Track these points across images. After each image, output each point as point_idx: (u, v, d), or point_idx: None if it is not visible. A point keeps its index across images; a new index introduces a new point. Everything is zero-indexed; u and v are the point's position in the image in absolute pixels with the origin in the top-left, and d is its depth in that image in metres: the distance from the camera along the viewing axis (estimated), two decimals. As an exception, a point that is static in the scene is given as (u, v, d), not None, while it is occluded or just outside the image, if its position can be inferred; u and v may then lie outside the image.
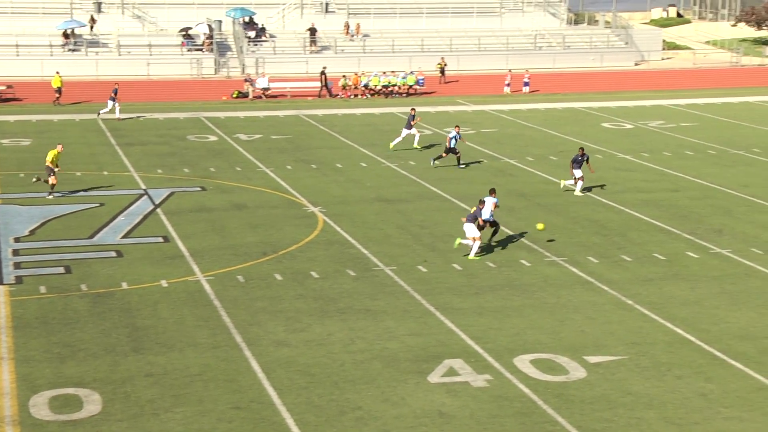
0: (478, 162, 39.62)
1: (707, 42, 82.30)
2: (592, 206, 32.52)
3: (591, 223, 30.44)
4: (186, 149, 41.78)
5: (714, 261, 26.68)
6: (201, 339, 21.08)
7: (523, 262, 26.60)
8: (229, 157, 40.30)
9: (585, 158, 34.21)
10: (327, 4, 72.88)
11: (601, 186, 35.11)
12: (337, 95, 57.98)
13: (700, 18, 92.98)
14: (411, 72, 60.31)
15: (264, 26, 68.80)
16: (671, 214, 31.44)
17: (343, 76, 58.86)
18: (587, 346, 20.88)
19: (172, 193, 33.70)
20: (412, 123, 41.36)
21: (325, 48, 68.45)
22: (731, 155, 40.65)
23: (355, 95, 58.09)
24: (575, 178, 34.17)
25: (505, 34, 72.09)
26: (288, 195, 33.84)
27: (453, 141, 37.93)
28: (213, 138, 44.52)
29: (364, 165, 38.99)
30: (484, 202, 27.69)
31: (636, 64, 72.47)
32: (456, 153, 38.22)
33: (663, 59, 74.65)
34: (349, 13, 72.37)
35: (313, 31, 68.14)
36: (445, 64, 64.31)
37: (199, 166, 38.28)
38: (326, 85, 57.86)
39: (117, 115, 48.53)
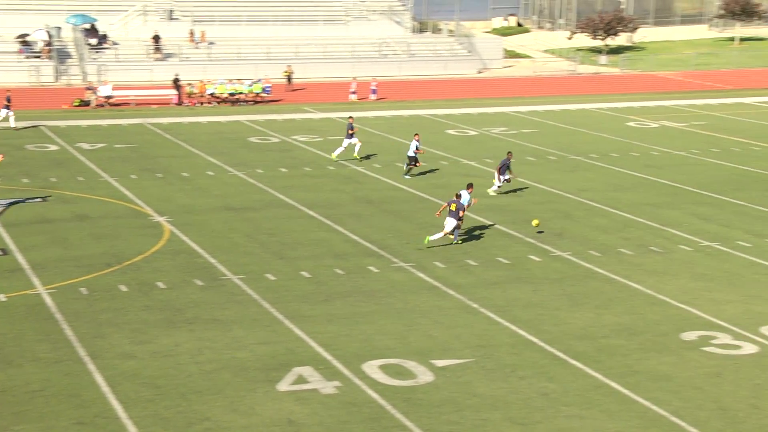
0: (326, 169, 39.73)
1: (546, 51, 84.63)
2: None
3: (437, 228, 30.89)
4: (25, 159, 40.54)
5: (555, 264, 27.43)
6: (42, 354, 20.47)
7: (371, 268, 26.80)
8: (71, 166, 39.30)
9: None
10: (171, 11, 71.90)
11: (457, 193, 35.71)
12: (183, 103, 57.26)
13: (539, 27, 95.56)
14: (258, 80, 60.04)
15: (106, 33, 67.36)
16: (514, 218, 32.19)
17: (189, 84, 58.15)
18: (434, 350, 21.17)
19: (11, 204, 32.65)
20: (350, 132, 40.89)
21: (169, 55, 67.48)
22: (570, 161, 41.89)
23: (201, 103, 57.47)
24: (502, 181, 34.81)
25: (351, 41, 72.55)
26: (133, 205, 33.21)
27: (413, 150, 37.81)
28: (53, 147, 43.33)
29: (210, 174, 38.60)
30: (460, 195, 29.05)
31: (479, 72, 73.94)
32: (416, 163, 38.04)
33: (504, 67, 76.38)
34: (194, 21, 71.58)
35: (156, 38, 67.09)
36: (292, 72, 64.27)
37: (39, 176, 37.20)
38: (179, 93, 57.12)
39: (11, 124, 47.13)
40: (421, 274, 26.29)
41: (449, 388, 19.32)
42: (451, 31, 78.87)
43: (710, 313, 23.48)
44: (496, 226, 31.25)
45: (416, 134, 38.91)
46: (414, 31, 78.76)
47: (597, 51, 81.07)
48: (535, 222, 30.45)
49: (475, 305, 23.97)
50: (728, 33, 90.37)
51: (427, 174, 39.07)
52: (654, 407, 18.55)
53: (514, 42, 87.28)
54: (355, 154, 41.31)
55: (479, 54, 75.34)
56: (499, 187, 35.35)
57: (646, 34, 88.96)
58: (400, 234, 30.13)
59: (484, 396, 18.99)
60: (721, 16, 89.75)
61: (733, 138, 46.57)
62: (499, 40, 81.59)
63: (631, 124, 51.36)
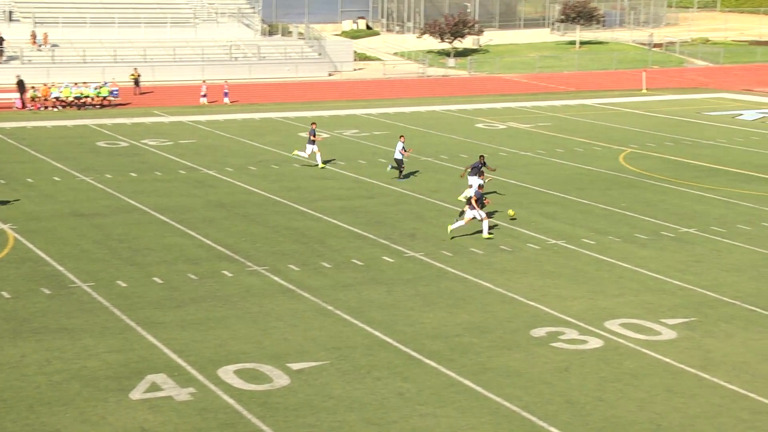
0: (177, 173, 39.15)
1: (396, 53, 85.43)
2: (291, 215, 32.92)
3: (290, 231, 30.79)
4: None
5: (408, 264, 27.69)
6: None
7: (225, 272, 26.52)
8: None
9: (483, 165, 33.87)
10: (11, 12, 69.62)
11: (309, 195, 35.63)
12: (26, 107, 55.53)
13: (388, 30, 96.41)
14: (104, 83, 58.70)
15: (-57, 34, 64.86)
16: (367, 220, 32.36)
17: (32, 88, 56.43)
18: (290, 353, 21.09)
19: None
20: (313, 138, 40.07)
21: (12, 58, 65.33)
22: (421, 162, 42.37)
23: (46, 107, 55.84)
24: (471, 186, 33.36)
25: (200, 44, 71.69)
26: (-26, 212, 32.02)
27: (398, 152, 37.71)
28: None
29: (57, 179, 37.54)
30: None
31: (330, 75, 74.10)
32: (401, 164, 38.11)
33: (355, 70, 76.77)
34: (36, 22, 69.50)
35: (-3, 40, 64.92)
36: (139, 75, 63.09)
37: None
38: (22, 97, 55.33)
39: None
40: (275, 278, 26.16)
41: (305, 390, 19.27)
42: (301, 33, 78.80)
43: (558, 309, 24.10)
44: (349, 227, 31.36)
45: (401, 136, 38.94)
46: (264, 33, 78.38)
47: (445, 54, 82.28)
48: (510, 212, 31.98)
49: (330, 307, 23.99)
50: (569, 37, 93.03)
51: (281, 177, 38.94)
52: (506, 403, 18.91)
53: (364, 45, 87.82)
54: (319, 164, 40.54)
55: (330, 57, 75.52)
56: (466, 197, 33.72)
57: (491, 37, 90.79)
58: (254, 237, 29.93)
59: (341, 398, 19.02)
60: (561, 21, 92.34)
61: (576, 138, 47.94)
62: (349, 42, 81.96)
63: (480, 125, 52.32)
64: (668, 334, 22.42)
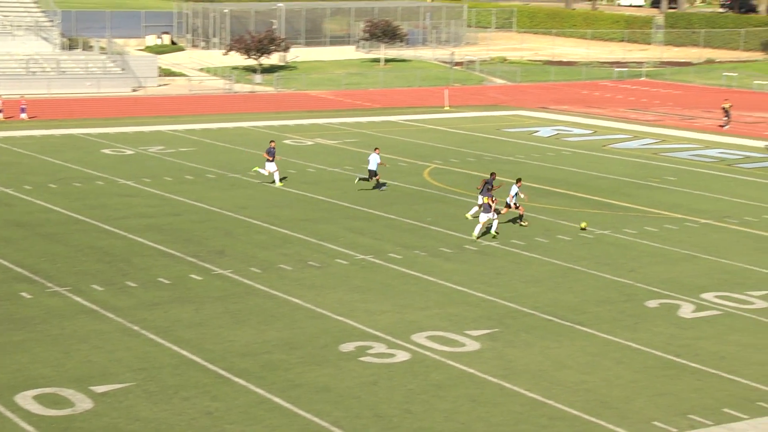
0: (-29, 192, 37.46)
1: (201, 69, 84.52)
2: (95, 233, 32.00)
3: (94, 250, 29.92)
4: None
5: (217, 282, 27.36)
6: None
7: (23, 294, 25.50)
8: None
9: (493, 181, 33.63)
10: None
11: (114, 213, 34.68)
12: None
13: (194, 46, 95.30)
14: None
15: None
16: (174, 237, 31.81)
17: None
18: (94, 375, 20.45)
19: None
20: (270, 158, 39.54)
21: None
22: (229, 179, 42.00)
23: None
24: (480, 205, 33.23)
25: (-4, 58, 68.92)
26: None
27: (374, 163, 38.73)
28: None
29: None
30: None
31: (134, 90, 72.57)
32: (375, 176, 39.07)
33: (160, 85, 75.47)
34: None
35: None
36: (-69, 89, 60.06)
37: None
38: None
39: None
40: (78, 298, 25.35)
41: (110, 414, 18.72)
42: (102, 48, 76.87)
43: (366, 323, 24.30)
44: (155, 245, 30.72)
45: (376, 148, 39.97)
46: (63, 47, 76.08)
47: (252, 70, 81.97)
48: (583, 224, 33.67)
49: (136, 327, 23.42)
50: (374, 54, 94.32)
51: (84, 195, 37.80)
52: (315, 419, 18.92)
53: (168, 60, 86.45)
54: (278, 183, 40.10)
55: (133, 72, 73.96)
56: (476, 213, 33.99)
57: (298, 54, 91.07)
58: (55, 257, 28.92)
59: (147, 420, 18.57)
60: (366, 39, 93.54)
61: (382, 155, 48.58)
62: (154, 58, 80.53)
63: (288, 141, 52.33)
64: (472, 345, 22.95)
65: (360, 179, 39.67)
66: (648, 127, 60.14)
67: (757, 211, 37.45)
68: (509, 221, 34.76)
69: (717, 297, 26.93)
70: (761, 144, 53.03)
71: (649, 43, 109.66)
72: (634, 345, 23.19)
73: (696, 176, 44.45)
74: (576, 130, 57.88)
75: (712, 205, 38.43)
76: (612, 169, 44.82)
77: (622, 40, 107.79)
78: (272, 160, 40.14)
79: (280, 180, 40.69)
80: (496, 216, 32.78)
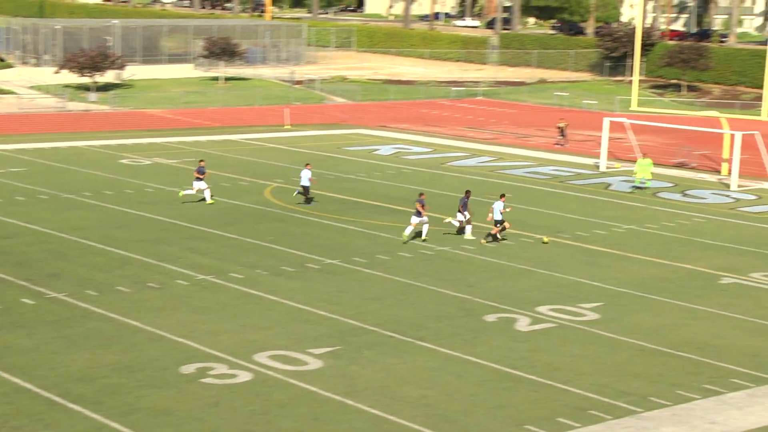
0: None
1: (32, 87, 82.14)
2: None
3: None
4: None
5: (50, 306, 26.61)
6: None
7: None
8: None
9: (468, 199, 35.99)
10: None
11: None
12: None
13: (24, 63, 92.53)
14: None
15: None
16: (4, 261, 30.78)
17: None
18: None
19: None
20: (201, 176, 39.83)
21: None
22: (63, 199, 40.93)
23: None
24: (461, 221, 35.82)
25: None
26: None
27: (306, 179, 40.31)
28: None
29: None
30: (493, 208, 35.09)
31: (-39, 109, 69.92)
32: (307, 192, 40.67)
33: (-11, 104, 72.95)
34: None
35: None
36: None
37: None
38: None
39: None
40: None
41: (-62, 446, 17.97)
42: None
43: (207, 344, 24.06)
44: (-15, 270, 29.67)
45: (308, 164, 41.56)
46: None
47: (86, 88, 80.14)
48: (545, 239, 35.35)
49: (-36, 355, 22.54)
50: (213, 72, 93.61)
51: None
52: (156, 443, 18.59)
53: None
54: (209, 200, 40.15)
55: (-40, 89, 71.31)
56: (460, 222, 36.06)
57: (134, 71, 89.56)
58: None
59: (-22, 451, 17.91)
60: (205, 56, 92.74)
61: (222, 173, 48.23)
62: (-18, 75, 77.82)
63: (125, 161, 51.37)
64: (315, 364, 23.01)
65: (298, 192, 41.27)
66: (485, 145, 61.59)
67: (588, 226, 38.82)
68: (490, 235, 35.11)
69: (551, 310, 27.77)
70: (591, 161, 54.98)
71: (485, 63, 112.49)
72: (473, 359, 23.68)
73: (531, 193, 45.76)
74: (415, 149, 58.78)
75: (546, 221, 39.61)
76: (451, 186, 45.70)
77: (459, 60, 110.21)
78: (202, 179, 40.43)
79: (211, 197, 40.83)
80: (427, 220, 35.10)
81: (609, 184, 48.30)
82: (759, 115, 55.72)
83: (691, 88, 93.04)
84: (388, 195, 44.00)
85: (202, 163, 41.44)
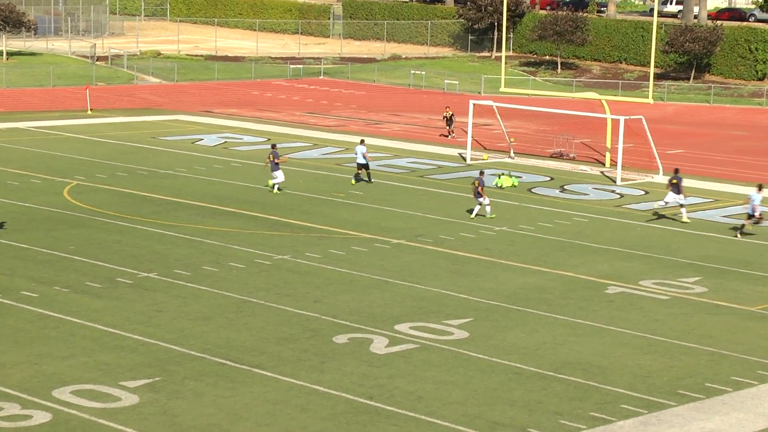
0: None
1: None
2: None
3: None
4: None
5: None
6: None
7: None
8: None
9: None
10: None
11: None
12: None
13: None
14: None
15: None
16: None
17: None
18: None
19: None
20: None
21: None
22: None
23: None
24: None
25: None
26: None
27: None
28: None
29: None
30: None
31: None
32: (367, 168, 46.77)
33: None
34: None
35: None
36: None
37: None
38: None
39: None
40: None
41: None
42: None
43: (-5, 379, 23.43)
44: None
45: (362, 140, 46.77)
46: None
47: None
48: (485, 156, 39.62)
49: None
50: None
51: None
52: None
53: None
54: None
55: None
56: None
57: None
58: None
59: None
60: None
61: (9, 170, 47.04)
62: None
63: None
64: (129, 399, 22.65)
65: (357, 178, 46.38)
66: (329, 133, 61.85)
67: (453, 228, 39.38)
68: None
69: (412, 328, 28.04)
70: (455, 152, 55.81)
71: (327, 36, 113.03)
72: (321, 388, 23.71)
73: (385, 190, 46.13)
74: (246, 138, 58.58)
75: (404, 223, 40.02)
76: (289, 182, 45.71)
77: (296, 32, 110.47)
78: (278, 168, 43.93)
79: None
80: (488, 202, 40.89)
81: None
82: (646, 97, 57.64)
83: (567, 66, 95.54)
84: (216, 194, 43.70)
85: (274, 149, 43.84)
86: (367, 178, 46.82)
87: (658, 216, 42.01)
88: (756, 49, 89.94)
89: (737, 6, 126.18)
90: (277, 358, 25.55)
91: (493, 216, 40.62)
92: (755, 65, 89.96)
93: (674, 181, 41.33)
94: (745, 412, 23.15)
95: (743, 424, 22.51)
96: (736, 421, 22.66)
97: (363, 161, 46.34)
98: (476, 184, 40.63)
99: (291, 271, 33.02)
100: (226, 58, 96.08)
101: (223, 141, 57.52)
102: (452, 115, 61.61)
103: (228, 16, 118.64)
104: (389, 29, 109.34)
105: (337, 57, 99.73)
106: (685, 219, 41.34)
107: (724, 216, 42.93)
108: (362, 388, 23.88)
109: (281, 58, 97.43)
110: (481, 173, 41.70)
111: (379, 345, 26.72)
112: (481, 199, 40.74)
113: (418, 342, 27.04)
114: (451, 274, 33.38)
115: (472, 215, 40.83)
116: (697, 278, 33.60)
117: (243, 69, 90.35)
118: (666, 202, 41.64)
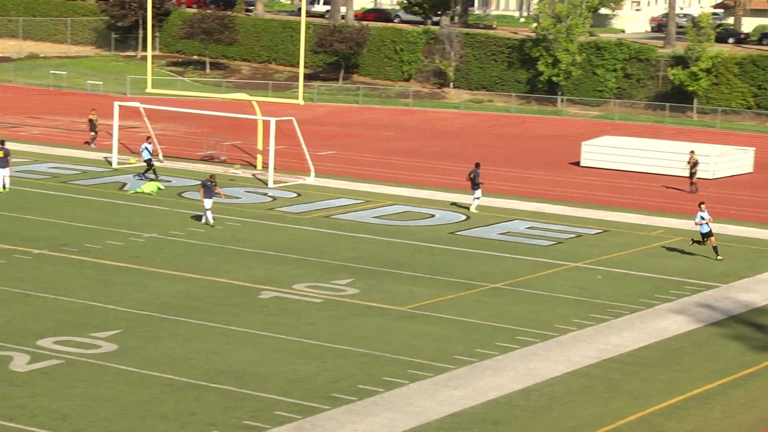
0: None
1: None
2: None
3: None
4: None
5: None
6: None
7: None
8: None
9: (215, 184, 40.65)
10: None
11: None
12: None
13: None
14: None
15: None
16: None
17: None
18: None
19: None
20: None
21: None
22: None
23: None
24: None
25: None
26: None
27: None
28: None
29: None
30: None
31: None
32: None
33: None
34: None
35: None
36: None
37: None
38: None
39: None
40: None
41: None
42: None
43: None
44: None
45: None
46: None
47: None
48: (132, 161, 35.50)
49: None
50: None
51: None
52: None
53: None
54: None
55: None
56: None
57: None
58: None
59: None
60: None
61: None
62: None
63: None
64: None
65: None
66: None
67: (99, 236, 38.67)
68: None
69: (56, 343, 27.36)
70: (101, 156, 54.81)
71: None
72: (-40, 413, 22.76)
73: (25, 197, 44.78)
74: None
75: (47, 232, 38.97)
76: None
77: None
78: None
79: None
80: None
81: (124, 184, 48.40)
82: (296, 98, 58.53)
83: (216, 66, 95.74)
84: None
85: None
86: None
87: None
88: (401, 50, 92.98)
89: (383, 7, 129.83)
90: None
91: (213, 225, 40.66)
92: (401, 66, 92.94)
93: (472, 176, 45.16)
94: (396, 411, 23.93)
95: (395, 423, 23.26)
96: (388, 421, 23.38)
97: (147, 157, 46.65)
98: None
99: None
100: None
101: None
102: (97, 119, 59.90)
103: None
104: (25, 26, 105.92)
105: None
106: (473, 209, 45.57)
107: (375, 217, 44.16)
108: (2, 409, 23.08)
109: None
110: (212, 177, 41.24)
111: (20, 362, 25.94)
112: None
113: (63, 357, 26.42)
114: (98, 285, 32.80)
115: None
116: (349, 280, 34.43)
117: None
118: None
